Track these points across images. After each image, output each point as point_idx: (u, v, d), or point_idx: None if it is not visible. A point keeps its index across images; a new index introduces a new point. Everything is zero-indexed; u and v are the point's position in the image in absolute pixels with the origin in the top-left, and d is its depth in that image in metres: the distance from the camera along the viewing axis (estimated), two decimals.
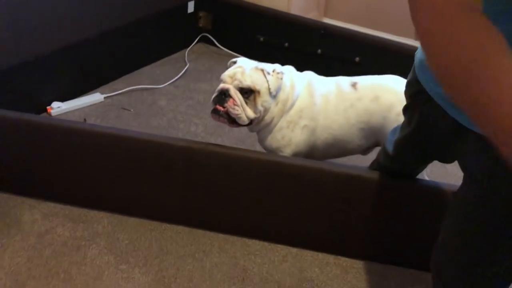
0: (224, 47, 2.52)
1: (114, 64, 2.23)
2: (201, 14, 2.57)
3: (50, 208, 1.54)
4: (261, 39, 2.42)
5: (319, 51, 2.29)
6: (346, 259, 1.46)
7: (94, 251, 1.42)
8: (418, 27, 0.61)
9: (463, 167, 0.94)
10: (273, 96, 1.40)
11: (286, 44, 2.37)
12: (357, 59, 2.21)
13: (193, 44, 2.58)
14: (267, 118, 1.43)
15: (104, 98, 2.11)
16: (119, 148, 1.46)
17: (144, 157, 1.45)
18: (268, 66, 1.41)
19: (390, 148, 1.24)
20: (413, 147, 1.14)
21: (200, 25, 2.60)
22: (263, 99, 1.38)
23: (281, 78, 1.40)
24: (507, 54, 0.56)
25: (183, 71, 2.35)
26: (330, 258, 1.46)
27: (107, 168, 1.49)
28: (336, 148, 1.50)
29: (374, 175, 1.37)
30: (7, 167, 1.55)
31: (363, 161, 1.62)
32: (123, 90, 2.16)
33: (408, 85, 1.07)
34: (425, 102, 0.96)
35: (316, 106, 1.45)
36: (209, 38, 2.58)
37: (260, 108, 1.39)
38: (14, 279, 1.31)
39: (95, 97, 2.09)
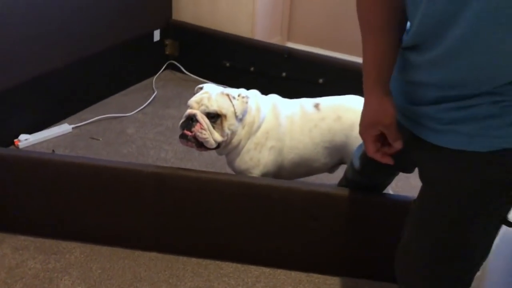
0: (191, 73, 2.57)
1: (82, 94, 2.24)
2: (167, 42, 2.62)
3: (20, 241, 1.53)
4: (227, 64, 2.48)
5: (284, 74, 2.36)
6: (319, 275, 1.50)
7: (67, 282, 1.41)
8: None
9: (421, 175, 1.00)
10: (239, 119, 1.44)
11: (252, 69, 2.43)
12: (320, 80, 2.28)
13: (160, 72, 2.62)
14: (235, 141, 1.47)
15: (72, 128, 2.11)
16: (89, 177, 1.47)
17: (114, 185, 1.47)
18: (233, 91, 1.45)
19: (357, 163, 1.30)
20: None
21: (167, 52, 2.64)
22: (230, 123, 1.42)
23: (247, 102, 1.45)
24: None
25: (151, 98, 2.38)
26: (303, 275, 1.49)
27: (78, 198, 1.49)
28: (303, 167, 1.55)
29: (341, 191, 1.42)
30: None
31: (331, 179, 1.67)
32: (91, 120, 2.17)
33: None
34: None
35: (281, 127, 1.50)
36: (176, 65, 2.62)
37: (227, 131, 1.43)
38: None
39: (63, 128, 2.10)
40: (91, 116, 2.19)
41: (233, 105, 1.41)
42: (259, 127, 1.49)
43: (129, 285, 1.42)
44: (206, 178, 1.44)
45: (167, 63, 2.63)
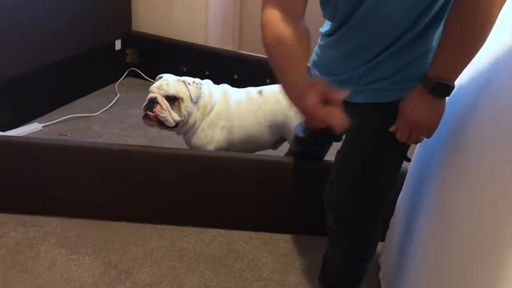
0: (151, 79, 2.81)
1: (50, 97, 2.44)
2: (128, 51, 2.87)
3: (1, 217, 1.71)
4: (184, 69, 2.74)
5: (236, 76, 2.64)
6: (266, 233, 1.76)
7: (46, 247, 1.61)
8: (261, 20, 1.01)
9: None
10: (194, 102, 1.70)
11: (207, 73, 2.70)
12: (268, 80, 2.58)
13: (122, 78, 2.85)
14: (191, 121, 1.73)
15: (42, 127, 2.31)
16: (62, 156, 1.68)
17: (86, 162, 1.69)
18: (188, 79, 1.72)
19: (300, 133, 1.58)
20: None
21: (128, 60, 2.88)
22: (186, 105, 1.68)
23: (200, 88, 1.71)
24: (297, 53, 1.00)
25: (114, 100, 2.61)
26: (253, 234, 1.75)
27: (53, 176, 1.70)
28: (250, 143, 1.82)
29: (284, 159, 1.69)
30: None
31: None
32: (59, 119, 2.38)
33: None
34: None
35: (231, 109, 1.78)
36: (137, 72, 2.86)
37: (184, 112, 1.68)
38: None
39: (33, 126, 2.29)
40: (59, 116, 2.40)
41: (189, 90, 1.68)
42: (211, 109, 1.75)
43: (101, 247, 1.63)
44: (166, 153, 1.68)
45: (128, 70, 2.88)
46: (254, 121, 1.79)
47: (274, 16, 1.01)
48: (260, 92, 1.83)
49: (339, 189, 1.24)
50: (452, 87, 1.02)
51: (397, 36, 1.07)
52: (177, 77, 1.73)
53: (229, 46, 3.07)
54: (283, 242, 1.74)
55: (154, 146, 1.73)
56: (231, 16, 3.02)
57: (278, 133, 1.84)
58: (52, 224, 1.71)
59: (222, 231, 1.75)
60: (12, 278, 1.48)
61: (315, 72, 1.26)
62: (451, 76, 1.01)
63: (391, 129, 1.11)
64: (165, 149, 1.72)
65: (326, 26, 1.23)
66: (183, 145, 1.86)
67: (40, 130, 2.30)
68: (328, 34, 1.19)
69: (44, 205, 1.74)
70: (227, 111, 1.77)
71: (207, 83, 1.79)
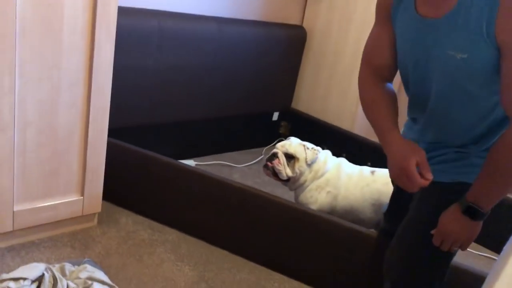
0: None
1: (209, 143, 2.95)
2: (282, 123, 3.29)
3: (139, 218, 2.15)
4: (324, 148, 3.03)
5: (369, 163, 2.82)
6: None
7: (161, 249, 1.97)
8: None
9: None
10: (308, 164, 1.96)
11: (344, 155, 2.94)
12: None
13: (271, 145, 3.26)
14: (301, 180, 1.98)
15: (195, 164, 2.80)
16: (195, 184, 2.07)
17: (213, 193, 2.04)
18: (309, 144, 2.00)
19: (384, 208, 1.72)
20: (394, 202, 1.62)
21: (280, 131, 3.30)
22: (300, 165, 1.95)
23: (316, 154, 1.97)
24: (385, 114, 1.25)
25: (258, 159, 3.01)
26: None
27: (186, 199, 2.09)
28: (352, 215, 1.98)
29: (373, 233, 1.81)
30: (123, 189, 2.22)
31: None
32: (210, 162, 2.85)
33: None
34: None
35: (340, 180, 1.98)
36: None
37: (297, 170, 1.95)
38: (106, 251, 1.89)
39: (188, 162, 2.79)
40: (210, 160, 2.87)
41: (306, 153, 1.95)
42: (322, 174, 1.98)
43: (201, 264, 1.93)
44: (276, 201, 1.94)
45: (278, 139, 3.28)
46: (359, 195, 1.96)
47: (368, 79, 1.31)
48: (372, 172, 2.01)
49: (395, 253, 1.34)
50: (483, 213, 1.14)
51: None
52: (300, 141, 2.02)
53: (372, 138, 3.28)
54: None
55: (268, 193, 2.01)
56: None
57: (381, 214, 1.96)
58: (172, 234, 2.08)
59: (304, 286, 1.91)
60: (130, 263, 1.86)
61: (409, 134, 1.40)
62: (484, 203, 1.13)
63: (432, 232, 1.22)
64: (276, 197, 1.99)
65: None
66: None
67: (193, 166, 2.78)
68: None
69: (172, 219, 2.14)
70: (337, 180, 1.98)
71: (325, 152, 2.05)
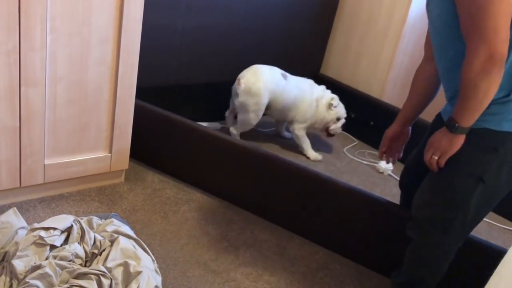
0: None
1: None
2: None
3: (166, 177, 2.19)
4: (353, 115, 2.99)
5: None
6: (364, 268, 1.86)
7: (186, 208, 2.01)
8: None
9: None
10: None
11: (371, 123, 2.90)
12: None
13: None
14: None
15: (221, 127, 2.80)
16: (221, 147, 2.08)
17: (240, 158, 2.05)
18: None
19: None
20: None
21: None
22: None
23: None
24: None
25: None
26: (351, 263, 1.88)
27: (212, 161, 2.11)
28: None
29: (397, 207, 1.80)
30: (150, 149, 2.25)
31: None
32: None
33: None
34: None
35: None
36: None
37: None
38: (132, 207, 1.94)
39: (214, 125, 2.80)
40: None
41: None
42: None
43: (225, 223, 1.96)
44: (297, 167, 1.94)
45: None
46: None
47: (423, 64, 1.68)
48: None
49: (426, 193, 1.50)
50: (457, 127, 1.34)
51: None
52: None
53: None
54: (377, 280, 1.82)
55: (296, 163, 2.00)
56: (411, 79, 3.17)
57: None
58: (197, 194, 2.12)
59: (325, 250, 1.92)
60: (155, 219, 1.90)
61: None
62: (460, 119, 1.34)
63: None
64: (296, 164, 1.98)
65: None
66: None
67: (218, 128, 2.80)
68: None
69: (197, 179, 2.17)
70: None
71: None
